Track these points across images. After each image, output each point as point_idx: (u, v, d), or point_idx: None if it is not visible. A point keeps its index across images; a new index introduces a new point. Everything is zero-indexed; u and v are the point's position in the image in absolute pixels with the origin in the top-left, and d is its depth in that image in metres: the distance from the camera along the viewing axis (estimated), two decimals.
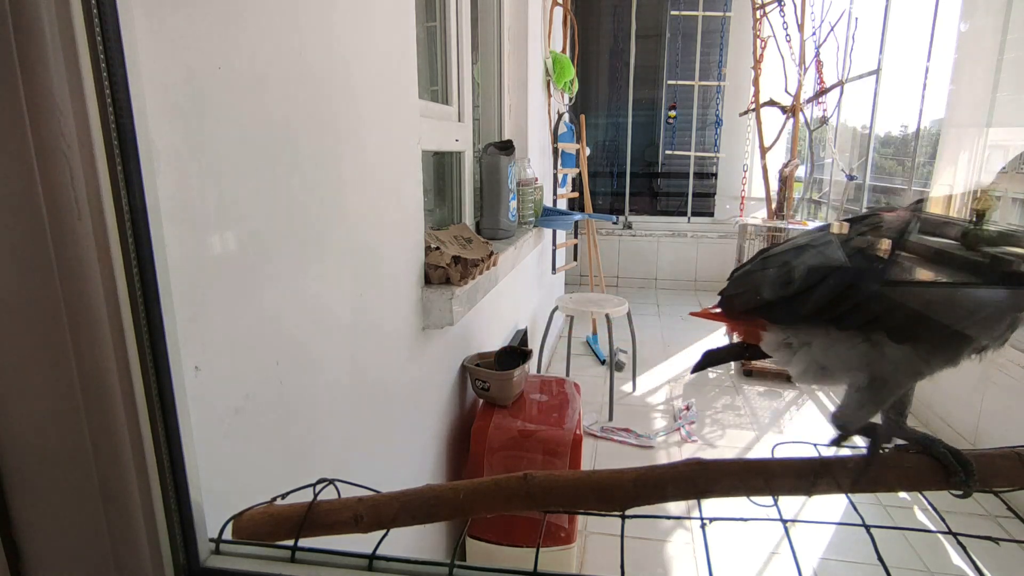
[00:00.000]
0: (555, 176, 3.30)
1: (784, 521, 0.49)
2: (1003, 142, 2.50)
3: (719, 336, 3.83)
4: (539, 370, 2.89)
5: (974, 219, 0.43)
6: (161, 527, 0.43)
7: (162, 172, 0.53)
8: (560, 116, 3.26)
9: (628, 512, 0.48)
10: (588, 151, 3.65)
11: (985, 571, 0.51)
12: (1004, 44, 2.44)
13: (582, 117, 3.46)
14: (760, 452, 2.41)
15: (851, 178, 3.62)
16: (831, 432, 0.50)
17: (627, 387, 3.05)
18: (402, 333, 1.16)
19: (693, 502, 0.48)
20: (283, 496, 0.52)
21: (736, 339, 0.54)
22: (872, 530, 0.47)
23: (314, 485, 0.51)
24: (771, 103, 3.62)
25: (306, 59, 0.77)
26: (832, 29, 3.50)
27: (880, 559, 0.43)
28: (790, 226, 3.20)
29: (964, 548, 0.44)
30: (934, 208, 0.48)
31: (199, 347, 0.58)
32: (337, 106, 0.86)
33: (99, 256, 0.38)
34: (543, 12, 2.84)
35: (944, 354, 0.44)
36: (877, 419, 0.48)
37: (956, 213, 0.48)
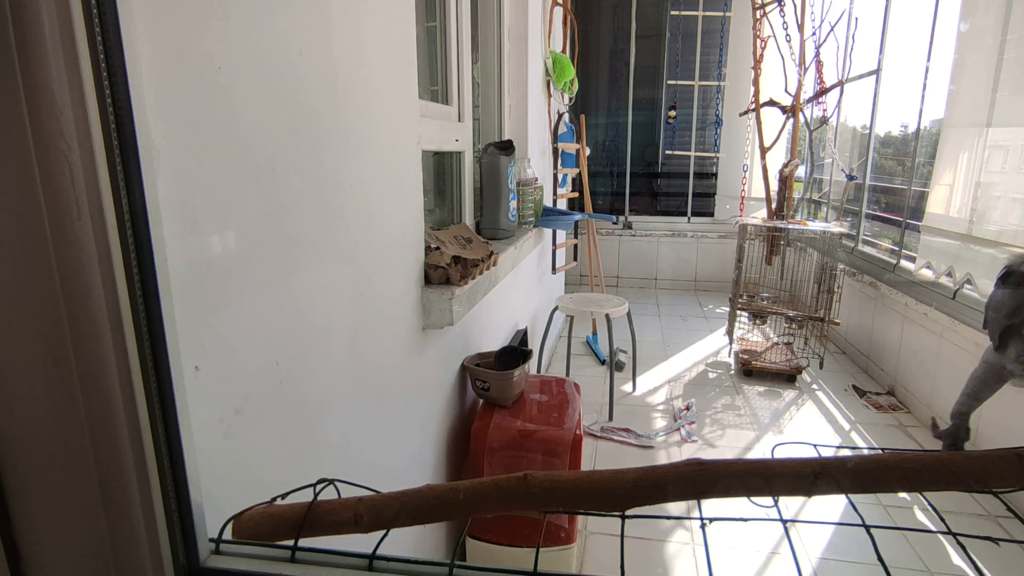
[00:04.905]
0: (555, 176, 3.30)
1: (784, 521, 0.49)
2: (1003, 142, 2.50)
3: (719, 337, 3.83)
4: (539, 370, 2.89)
5: None
6: (161, 527, 0.43)
7: (162, 172, 0.53)
8: (560, 116, 3.26)
9: (628, 512, 0.48)
10: (588, 151, 3.65)
11: (985, 571, 0.51)
12: (1004, 44, 2.44)
13: (582, 117, 3.46)
14: (760, 452, 2.42)
15: (851, 178, 3.62)
16: None
17: (627, 387, 3.05)
18: (402, 333, 1.16)
19: (693, 502, 0.48)
20: (283, 496, 0.52)
21: None
22: (872, 530, 0.47)
23: (314, 485, 0.51)
24: (771, 103, 3.62)
25: (306, 59, 0.77)
26: (832, 29, 3.50)
27: (880, 559, 0.43)
28: (790, 226, 3.20)
29: (964, 548, 0.44)
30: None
31: (199, 347, 0.58)
32: (337, 106, 0.86)
33: (99, 256, 0.38)
34: (543, 12, 2.84)
35: None
36: None
37: None
